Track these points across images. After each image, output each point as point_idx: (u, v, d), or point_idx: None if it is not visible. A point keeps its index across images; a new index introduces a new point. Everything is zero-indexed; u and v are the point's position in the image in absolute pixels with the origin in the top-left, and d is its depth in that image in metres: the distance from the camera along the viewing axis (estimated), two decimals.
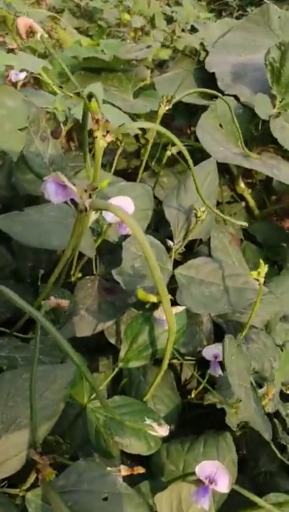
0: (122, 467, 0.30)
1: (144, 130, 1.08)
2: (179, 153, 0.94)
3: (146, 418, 0.37)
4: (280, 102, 0.85)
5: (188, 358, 0.69)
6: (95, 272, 0.69)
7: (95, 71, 1.07)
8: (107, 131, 0.40)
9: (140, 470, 0.30)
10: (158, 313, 0.43)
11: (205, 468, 0.37)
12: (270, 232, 1.05)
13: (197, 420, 0.69)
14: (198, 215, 0.58)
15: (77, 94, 0.90)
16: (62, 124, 0.75)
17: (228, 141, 0.76)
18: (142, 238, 0.33)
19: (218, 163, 0.70)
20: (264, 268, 0.51)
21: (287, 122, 0.83)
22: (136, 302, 0.64)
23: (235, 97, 0.86)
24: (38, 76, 1.05)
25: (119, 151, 1.00)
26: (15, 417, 0.39)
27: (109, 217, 0.48)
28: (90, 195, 0.35)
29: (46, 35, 0.35)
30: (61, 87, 1.04)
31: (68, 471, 0.38)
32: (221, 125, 0.77)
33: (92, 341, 0.62)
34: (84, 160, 0.52)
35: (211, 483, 0.37)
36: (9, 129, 0.50)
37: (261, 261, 0.51)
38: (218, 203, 1.04)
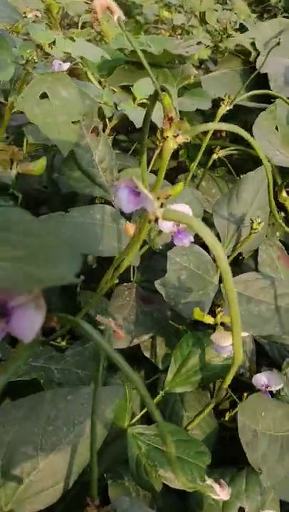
0: None
1: None
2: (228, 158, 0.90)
3: (206, 478, 0.33)
4: None
5: None
6: (132, 279, 0.65)
7: (139, 66, 1.02)
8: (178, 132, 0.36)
9: None
10: (217, 338, 0.39)
11: None
12: None
13: (231, 442, 0.64)
14: (254, 227, 0.54)
15: (123, 88, 0.86)
16: (107, 120, 0.71)
17: (282, 145, 0.71)
18: (221, 253, 0.28)
19: None
20: None
21: None
22: (175, 315, 0.60)
23: None
24: (79, 67, 1.02)
25: (157, 151, 0.96)
26: (55, 444, 0.35)
27: (166, 226, 0.44)
28: (162, 203, 0.31)
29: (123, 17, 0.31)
30: (100, 82, 1.00)
31: (112, 506, 0.34)
32: (277, 128, 0.72)
33: (124, 352, 0.59)
34: (139, 162, 0.47)
35: None
36: (62, 121, 0.46)
37: None
38: None
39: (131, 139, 1.22)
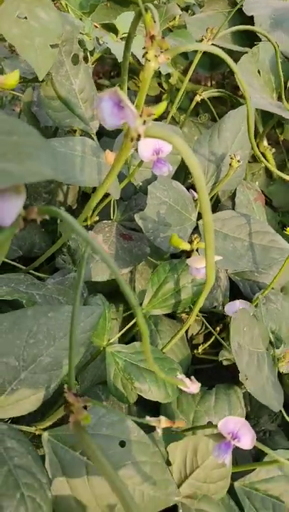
0: (162, 418, 0.28)
1: (167, 74, 1.01)
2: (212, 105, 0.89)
3: (177, 373, 0.36)
4: None
5: (199, 313, 0.68)
6: (112, 217, 0.66)
7: (122, 3, 0.98)
8: (161, 52, 0.35)
9: (181, 424, 0.29)
10: (192, 261, 0.41)
11: (228, 423, 0.36)
12: (286, 197, 1.02)
13: (202, 374, 0.69)
14: (233, 164, 0.55)
15: (105, 26, 0.82)
16: (89, 54, 0.69)
17: (264, 90, 0.71)
18: (199, 174, 0.30)
19: None
20: None
21: None
22: (153, 252, 0.62)
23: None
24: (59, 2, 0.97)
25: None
26: (36, 355, 0.37)
27: (146, 154, 0.45)
28: (145, 121, 0.32)
29: None
30: (80, 18, 0.96)
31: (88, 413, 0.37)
32: (259, 72, 0.71)
33: (106, 287, 0.60)
34: (120, 88, 0.47)
35: (234, 439, 0.36)
36: (39, 43, 0.45)
37: None
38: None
39: (113, 83, 1.19)
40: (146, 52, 0.36)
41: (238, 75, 0.39)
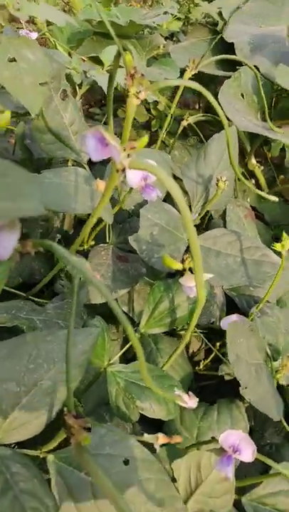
0: (160, 435, 0.29)
1: (155, 100, 1.06)
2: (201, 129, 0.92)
3: (175, 388, 0.37)
4: None
5: (199, 330, 0.69)
6: (107, 241, 0.68)
7: (107, 36, 1.03)
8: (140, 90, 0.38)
9: (178, 439, 0.30)
10: (184, 280, 0.42)
11: (229, 437, 0.37)
12: (278, 211, 1.05)
13: (206, 390, 0.69)
14: (220, 185, 0.57)
15: (92, 58, 0.87)
16: (77, 87, 0.72)
17: (248, 112, 0.74)
18: (181, 200, 0.32)
19: None
20: (288, 241, 0.50)
21: None
22: (149, 272, 0.64)
23: (256, 68, 0.84)
24: (48, 37, 1.02)
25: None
26: (37, 380, 0.38)
27: (134, 181, 0.47)
28: (129, 154, 0.34)
29: None
30: (69, 53, 1.00)
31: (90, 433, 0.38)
32: (242, 95, 0.75)
33: (104, 309, 0.62)
34: (106, 122, 0.50)
35: (235, 452, 0.37)
36: (29, 83, 0.48)
37: (285, 234, 0.50)
38: None
39: (104, 111, 1.23)
40: (128, 91, 0.39)
41: (215, 104, 0.42)
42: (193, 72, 0.63)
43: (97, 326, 0.45)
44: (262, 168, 1.06)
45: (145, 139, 0.42)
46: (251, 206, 0.95)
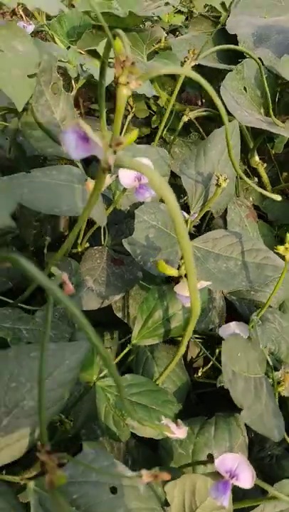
0: (144, 472, 0.26)
1: (155, 96, 1.02)
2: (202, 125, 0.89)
3: (162, 417, 0.34)
4: None
5: (197, 335, 0.66)
6: (102, 243, 0.65)
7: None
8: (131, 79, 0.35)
9: (165, 477, 0.27)
10: (179, 289, 0.39)
11: (226, 461, 0.34)
12: (281, 210, 1.01)
13: (204, 398, 0.66)
14: (220, 183, 0.54)
15: (90, 52, 0.83)
16: (73, 81, 0.69)
17: (251, 106, 0.70)
18: (172, 203, 0.28)
19: None
20: None
21: None
22: (145, 276, 0.61)
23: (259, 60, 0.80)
24: (46, 30, 0.99)
25: (129, 117, 0.94)
26: (18, 400, 0.35)
27: (126, 181, 0.44)
28: (115, 151, 0.31)
29: None
30: (69, 47, 0.97)
31: (77, 459, 0.35)
32: (245, 89, 0.71)
33: (98, 315, 0.59)
34: (99, 116, 0.46)
35: (232, 477, 0.34)
36: (16, 74, 0.44)
37: None
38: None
39: (107, 108, 1.20)
40: (118, 79, 0.35)
41: (213, 95, 0.38)
42: (193, 63, 0.60)
43: (85, 338, 0.42)
44: (265, 165, 1.03)
45: (135, 133, 0.39)
46: (253, 205, 0.91)
